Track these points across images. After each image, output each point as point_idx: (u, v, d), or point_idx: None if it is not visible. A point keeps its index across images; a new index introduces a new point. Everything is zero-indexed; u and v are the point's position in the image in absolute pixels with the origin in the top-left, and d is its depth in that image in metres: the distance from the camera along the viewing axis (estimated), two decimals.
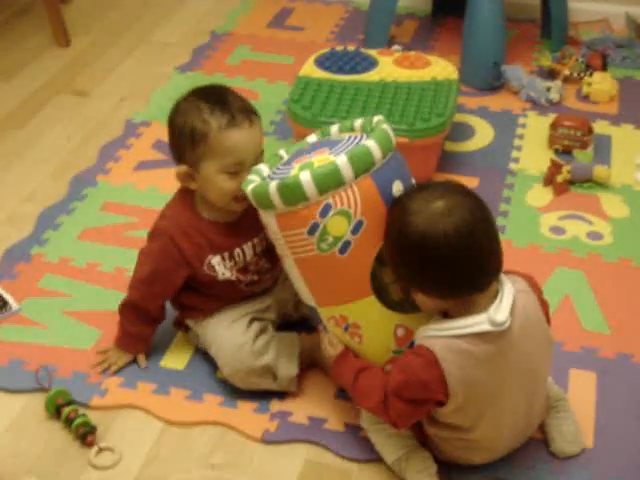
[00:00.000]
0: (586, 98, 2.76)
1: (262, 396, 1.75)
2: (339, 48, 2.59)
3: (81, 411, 1.70)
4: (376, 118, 1.58)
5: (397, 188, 1.50)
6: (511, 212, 2.27)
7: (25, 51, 3.08)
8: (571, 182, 2.36)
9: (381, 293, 1.54)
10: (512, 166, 2.46)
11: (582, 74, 2.82)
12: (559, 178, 2.35)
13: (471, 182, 2.34)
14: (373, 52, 2.57)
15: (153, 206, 2.28)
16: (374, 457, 1.63)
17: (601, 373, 1.81)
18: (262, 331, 1.75)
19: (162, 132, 2.57)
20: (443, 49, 3.02)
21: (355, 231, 1.47)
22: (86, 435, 1.66)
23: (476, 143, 2.55)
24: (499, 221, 2.22)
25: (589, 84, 2.76)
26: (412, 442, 1.60)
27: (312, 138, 1.65)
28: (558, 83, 2.76)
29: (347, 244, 1.48)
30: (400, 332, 1.56)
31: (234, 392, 1.75)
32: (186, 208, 1.72)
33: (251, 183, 1.55)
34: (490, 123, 2.65)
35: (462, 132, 2.58)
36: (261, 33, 3.21)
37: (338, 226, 1.47)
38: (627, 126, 2.64)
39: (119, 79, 2.93)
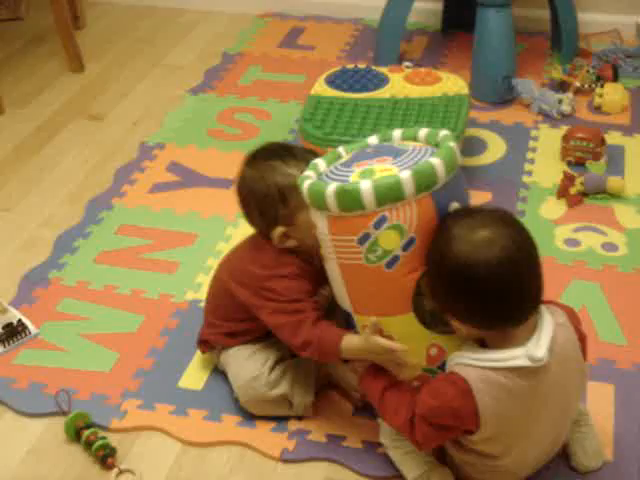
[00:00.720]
0: (598, 109, 2.76)
1: (280, 415, 1.75)
2: (350, 66, 2.61)
3: (101, 434, 1.71)
4: (442, 132, 1.55)
5: (454, 208, 1.48)
6: (525, 225, 2.26)
7: (40, 77, 3.12)
8: (585, 194, 2.36)
9: (419, 310, 1.51)
10: (525, 179, 2.46)
11: (593, 85, 2.82)
12: (572, 190, 2.35)
13: (484, 196, 2.34)
14: (384, 69, 2.58)
15: (168, 228, 2.32)
16: (393, 474, 1.63)
17: (619, 385, 1.80)
18: (278, 361, 1.75)
19: (176, 154, 2.63)
20: (454, 64, 3.03)
21: (406, 247, 1.45)
22: (106, 458, 1.67)
23: (488, 157, 2.56)
24: None
25: (600, 95, 2.76)
26: (432, 459, 1.59)
27: (373, 140, 1.63)
28: (569, 95, 2.77)
29: (395, 259, 1.46)
30: (433, 351, 1.53)
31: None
32: (286, 258, 1.67)
33: (307, 179, 1.52)
34: (502, 137, 2.66)
35: (474, 146, 2.59)
36: (272, 53, 3.23)
37: (390, 240, 1.45)
38: None
39: (133, 103, 2.96)
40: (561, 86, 2.86)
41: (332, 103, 2.42)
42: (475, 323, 1.43)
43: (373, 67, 2.60)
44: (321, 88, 2.50)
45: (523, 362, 1.40)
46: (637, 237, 2.22)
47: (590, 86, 2.82)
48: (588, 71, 2.85)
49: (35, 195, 2.50)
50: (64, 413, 1.75)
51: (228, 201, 2.39)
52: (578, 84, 2.82)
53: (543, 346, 1.41)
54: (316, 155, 1.65)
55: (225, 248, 2.22)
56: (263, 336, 1.77)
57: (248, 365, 1.74)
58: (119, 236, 2.30)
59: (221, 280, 1.79)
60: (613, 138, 2.60)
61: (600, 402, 1.76)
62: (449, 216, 1.45)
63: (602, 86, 2.79)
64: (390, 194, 1.42)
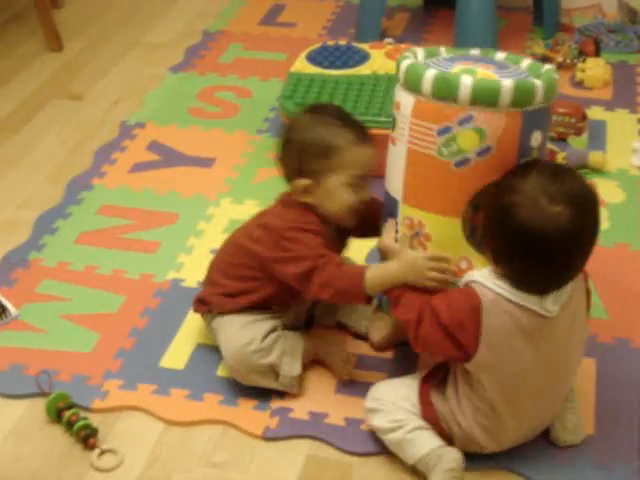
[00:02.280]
0: (580, 84, 2.76)
1: (262, 393, 1.75)
2: (330, 43, 2.59)
3: (82, 414, 1.70)
4: (547, 66, 1.57)
5: (535, 138, 1.50)
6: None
7: (18, 57, 3.09)
8: None
9: (464, 219, 1.53)
10: None
11: (575, 60, 2.82)
12: None
13: None
14: (365, 46, 2.57)
15: (149, 207, 2.30)
16: (375, 450, 1.64)
17: (600, 358, 1.81)
18: (271, 330, 1.75)
19: (157, 133, 2.61)
20: (436, 40, 3.01)
21: (481, 153, 1.47)
22: (88, 438, 1.66)
23: None
24: None
25: (583, 70, 2.76)
26: (437, 439, 1.57)
27: (476, 51, 1.64)
28: None
29: (467, 160, 1.48)
30: (463, 264, 1.55)
31: (234, 390, 1.76)
32: (308, 215, 1.69)
33: (407, 59, 1.55)
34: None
35: None
36: (253, 31, 3.21)
37: (468, 140, 1.47)
38: (622, 111, 2.64)
39: (113, 82, 2.93)
40: (543, 61, 2.83)
41: (313, 80, 2.40)
42: (510, 273, 1.44)
43: (354, 44, 2.59)
44: (302, 65, 2.48)
45: (535, 307, 1.43)
46: (619, 212, 2.23)
47: (572, 61, 2.82)
48: (570, 46, 2.85)
49: (14, 176, 2.48)
50: (45, 394, 1.74)
51: (209, 180, 2.41)
52: (560, 59, 2.81)
53: (558, 302, 1.44)
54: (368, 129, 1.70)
55: (206, 228, 2.22)
56: (258, 307, 1.76)
57: (241, 331, 1.73)
58: (100, 216, 2.28)
59: (238, 241, 1.79)
60: (595, 113, 2.60)
61: (582, 376, 1.75)
62: (534, 168, 1.43)
63: (584, 61, 2.79)
64: (486, 96, 1.44)
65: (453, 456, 1.54)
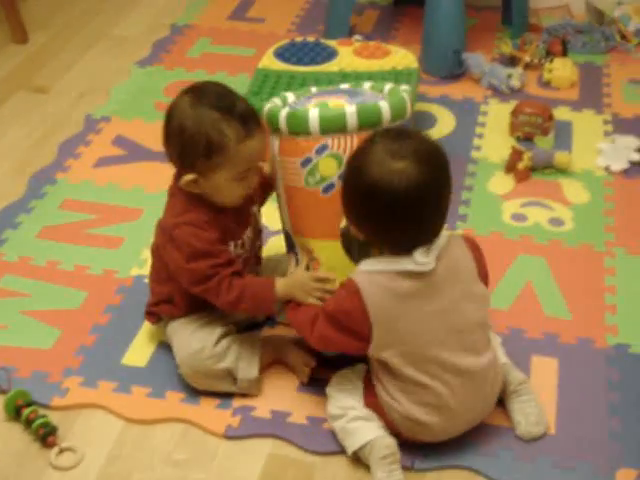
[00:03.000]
0: (547, 84, 2.77)
1: (225, 392, 1.74)
2: (298, 39, 2.58)
3: (41, 412, 1.68)
4: (403, 87, 1.68)
5: None
6: (473, 200, 2.27)
7: None
8: (532, 169, 2.36)
9: (347, 241, 1.62)
10: (474, 154, 2.46)
11: (543, 60, 2.82)
12: (520, 165, 2.35)
13: None
14: (333, 43, 2.56)
15: (113, 202, 2.28)
16: (337, 449, 1.63)
17: (562, 359, 1.81)
18: (224, 335, 1.73)
19: (122, 127, 2.59)
20: (405, 38, 3.02)
21: (342, 176, 1.55)
22: (47, 436, 1.65)
23: (438, 131, 2.55)
24: (461, 210, 2.22)
25: (550, 70, 2.76)
26: (378, 428, 1.59)
27: (344, 86, 1.76)
28: (519, 70, 2.77)
29: (331, 186, 1.59)
30: None
31: (196, 389, 1.74)
32: (197, 201, 1.66)
33: (268, 103, 1.67)
34: (452, 111, 2.65)
35: (424, 121, 2.58)
36: (222, 25, 3.19)
37: (328, 167, 1.58)
38: (588, 111, 2.65)
39: (78, 75, 2.90)
40: (511, 61, 2.86)
41: (280, 76, 2.39)
42: (372, 237, 1.53)
43: (322, 40, 2.58)
44: (269, 61, 2.47)
45: (408, 266, 1.49)
46: (583, 212, 2.24)
47: (540, 61, 2.83)
48: (538, 46, 2.86)
49: None
50: (3, 391, 1.72)
51: None
52: (528, 59, 2.82)
53: (432, 254, 1.50)
54: (257, 118, 1.63)
55: None
56: (202, 307, 1.73)
57: (193, 337, 1.72)
58: (63, 211, 2.26)
59: (154, 244, 1.77)
60: (561, 113, 2.61)
61: (544, 376, 1.78)
62: (379, 133, 1.52)
63: (551, 61, 2.79)
64: (334, 124, 1.57)
65: (385, 443, 1.57)
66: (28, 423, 1.67)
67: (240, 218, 1.72)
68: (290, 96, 1.71)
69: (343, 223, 1.60)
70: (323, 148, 1.58)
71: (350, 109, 1.56)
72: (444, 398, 1.55)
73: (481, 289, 1.60)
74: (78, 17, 3.27)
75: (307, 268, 1.66)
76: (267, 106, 1.65)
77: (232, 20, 3.22)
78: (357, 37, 2.68)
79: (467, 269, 1.57)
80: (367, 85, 1.73)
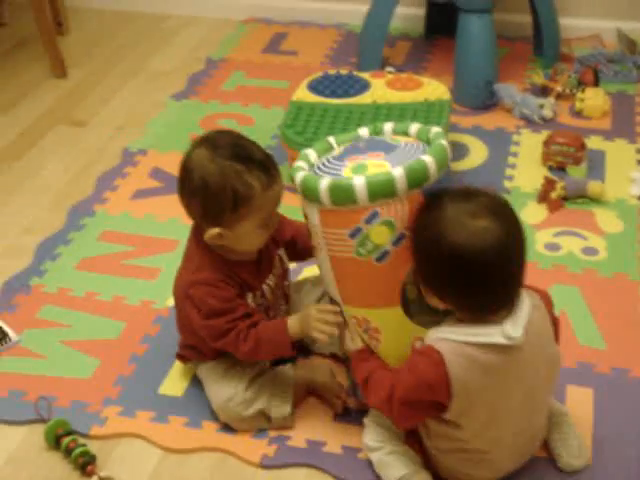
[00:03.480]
0: (579, 114, 2.78)
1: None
2: (331, 72, 2.62)
3: (81, 441, 1.71)
4: (434, 130, 1.57)
5: None
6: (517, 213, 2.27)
7: (23, 83, 3.12)
8: (565, 198, 2.37)
9: (406, 305, 1.54)
10: (507, 184, 2.47)
11: (574, 90, 2.83)
12: (553, 195, 2.36)
13: None
14: (366, 75, 2.59)
15: (150, 234, 2.32)
16: (372, 479, 1.64)
17: (597, 388, 1.81)
18: (255, 377, 1.74)
19: (158, 160, 2.63)
20: (436, 69, 3.05)
21: (396, 242, 1.48)
22: (86, 465, 1.67)
23: (470, 162, 2.57)
24: None
25: (582, 100, 2.77)
26: (414, 464, 1.59)
27: (364, 132, 1.64)
28: (551, 100, 2.78)
29: (385, 253, 1.48)
30: (418, 344, 1.55)
31: None
32: (212, 258, 1.67)
33: (300, 171, 1.53)
34: (484, 142, 2.67)
35: (456, 151, 2.59)
36: (256, 58, 3.24)
37: (381, 235, 1.47)
38: (620, 141, 2.66)
39: (116, 109, 2.96)
40: (543, 91, 2.88)
41: (314, 109, 2.42)
42: (457, 303, 1.45)
43: (355, 73, 2.61)
44: (303, 94, 2.51)
45: (497, 339, 1.43)
46: (617, 241, 2.24)
47: (571, 91, 2.84)
48: (569, 76, 2.87)
49: (18, 201, 2.50)
50: (44, 420, 1.75)
51: None
52: (559, 89, 2.84)
53: (520, 325, 1.44)
54: (273, 161, 1.64)
55: None
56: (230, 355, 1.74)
57: (222, 384, 1.73)
58: (101, 242, 2.30)
59: (174, 291, 1.78)
60: (594, 143, 2.62)
61: (580, 406, 1.77)
62: (446, 196, 1.44)
63: (583, 91, 2.80)
64: (383, 190, 1.44)
65: (422, 477, 1.56)
66: (68, 452, 1.69)
67: (259, 267, 1.71)
68: (311, 154, 1.60)
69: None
70: (373, 216, 1.46)
71: (398, 172, 1.44)
72: (497, 461, 1.55)
73: (556, 350, 1.56)
74: (115, 52, 3.34)
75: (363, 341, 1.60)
76: (299, 175, 1.51)
77: (266, 53, 3.27)
78: (389, 69, 2.71)
79: (547, 333, 1.54)
80: (388, 127, 1.63)
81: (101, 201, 2.46)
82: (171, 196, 2.44)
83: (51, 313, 2.06)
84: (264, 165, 1.60)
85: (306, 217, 1.56)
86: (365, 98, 2.46)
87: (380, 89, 2.50)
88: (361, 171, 1.48)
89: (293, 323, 1.64)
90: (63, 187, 2.55)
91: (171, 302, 2.05)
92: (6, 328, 2.00)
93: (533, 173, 2.50)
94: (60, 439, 1.71)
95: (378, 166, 1.49)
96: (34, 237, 2.32)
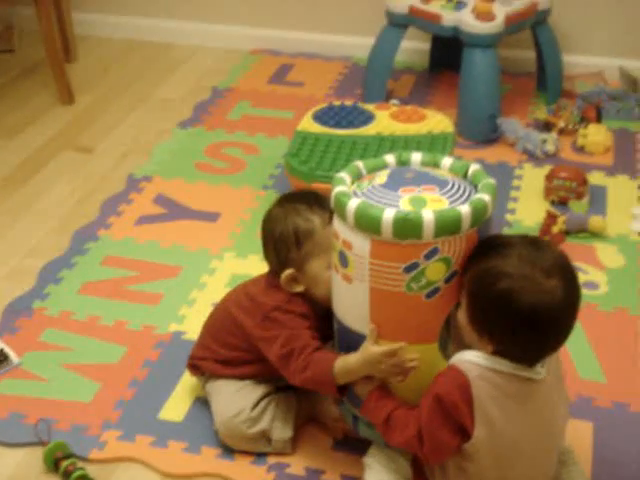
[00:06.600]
0: (581, 150, 2.80)
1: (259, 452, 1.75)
2: (336, 103, 2.64)
3: (79, 464, 1.71)
4: (473, 167, 1.56)
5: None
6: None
7: (30, 109, 3.14)
8: (567, 232, 2.38)
9: (441, 341, 1.53)
10: (508, 217, 2.49)
11: (577, 126, 2.86)
12: (555, 229, 2.37)
13: None
14: (370, 106, 2.61)
15: (153, 260, 2.33)
16: None
17: (597, 422, 1.81)
18: (262, 397, 1.75)
19: (163, 187, 2.65)
20: (440, 102, 3.07)
21: (448, 280, 1.46)
22: None
23: None
24: None
25: (584, 136, 2.80)
26: None
27: (391, 159, 1.61)
28: (553, 135, 2.80)
29: (436, 290, 1.46)
30: None
31: None
32: (290, 295, 1.69)
33: (351, 197, 1.48)
34: (487, 174, 2.67)
35: None
36: (262, 88, 3.27)
37: (436, 272, 1.45)
38: (622, 177, 2.68)
39: (121, 135, 2.98)
40: (545, 126, 2.90)
41: (318, 139, 2.44)
42: (505, 347, 1.43)
43: (360, 104, 2.63)
44: (308, 124, 2.53)
45: (525, 373, 1.43)
46: (618, 276, 2.25)
47: (574, 127, 2.86)
48: (572, 112, 2.90)
49: (22, 225, 2.51)
50: (43, 443, 1.75)
51: (213, 234, 2.43)
52: (562, 124, 2.86)
53: (545, 364, 1.45)
54: None
55: (209, 281, 2.24)
56: (251, 376, 1.77)
57: (232, 400, 1.74)
58: (104, 267, 2.31)
59: (227, 308, 1.79)
60: (596, 178, 2.64)
61: (579, 440, 1.77)
62: (515, 245, 1.43)
63: (586, 127, 2.83)
64: (449, 227, 1.42)
65: None
66: (66, 475, 1.69)
67: (329, 322, 1.68)
68: (346, 178, 1.54)
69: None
70: (433, 252, 1.43)
71: (465, 210, 1.42)
72: None
73: (564, 387, 1.56)
74: (122, 80, 3.37)
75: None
76: (352, 202, 1.45)
77: (272, 84, 3.30)
78: (394, 101, 2.73)
79: (561, 372, 1.55)
80: (417, 158, 1.60)
81: (105, 226, 2.47)
82: (174, 222, 2.49)
83: (53, 336, 2.07)
84: (324, 205, 1.64)
85: (348, 245, 1.49)
86: (369, 129, 2.48)
87: (384, 121, 2.52)
88: (420, 205, 1.45)
89: (344, 365, 1.55)
90: (68, 212, 2.56)
91: (173, 328, 2.08)
92: (7, 350, 2.00)
93: (535, 207, 2.52)
94: (59, 462, 1.71)
95: (436, 201, 1.46)
96: (38, 260, 2.34)
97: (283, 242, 1.67)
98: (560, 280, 1.40)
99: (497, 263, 1.42)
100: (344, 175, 1.56)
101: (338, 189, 1.51)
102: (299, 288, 1.68)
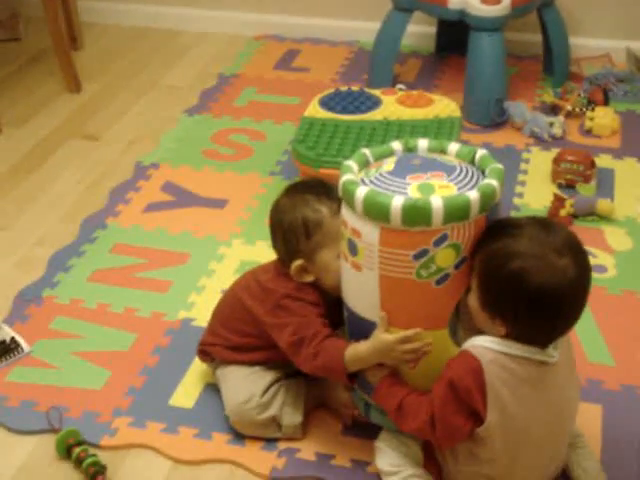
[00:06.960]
0: (589, 132, 2.79)
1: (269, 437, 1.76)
2: (343, 88, 2.63)
3: (91, 451, 1.72)
4: (480, 152, 1.56)
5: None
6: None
7: (37, 97, 3.15)
8: (575, 216, 2.38)
9: (450, 324, 1.53)
10: (516, 201, 2.48)
11: (584, 109, 2.85)
12: (563, 212, 2.37)
13: None
14: (376, 92, 2.61)
15: (162, 247, 2.34)
16: None
17: (606, 405, 1.82)
18: (272, 383, 1.76)
19: (171, 174, 2.66)
20: (447, 87, 3.07)
21: (458, 266, 1.46)
22: (96, 475, 1.68)
23: None
24: None
25: (591, 119, 2.79)
26: None
27: (397, 146, 1.61)
28: (561, 118, 2.80)
29: (446, 277, 1.46)
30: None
31: None
32: (300, 284, 1.69)
33: (359, 185, 1.48)
34: (494, 159, 2.67)
35: None
36: (268, 75, 3.26)
37: (446, 258, 1.45)
38: (630, 159, 2.67)
39: (129, 123, 2.98)
40: (552, 109, 2.89)
41: (325, 125, 2.44)
42: (518, 329, 1.44)
43: (366, 89, 2.63)
44: (314, 110, 2.53)
45: (539, 356, 1.44)
46: (626, 259, 2.25)
47: (581, 109, 2.85)
48: (579, 95, 2.89)
49: (30, 214, 2.52)
50: (55, 430, 1.76)
51: (221, 221, 2.44)
52: (569, 107, 2.85)
53: (558, 347, 1.47)
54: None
55: (218, 268, 2.25)
56: (261, 362, 1.78)
57: (242, 386, 1.75)
58: (113, 255, 2.32)
59: (237, 294, 1.80)
60: (603, 161, 2.63)
61: (588, 423, 1.77)
62: (525, 227, 1.44)
63: (593, 110, 2.82)
64: (458, 213, 1.42)
65: None
66: (78, 462, 1.70)
67: (339, 310, 1.68)
68: (353, 166, 1.55)
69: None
70: (442, 239, 1.43)
71: (474, 196, 1.42)
72: None
73: (577, 376, 1.57)
74: (129, 68, 3.37)
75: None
76: (360, 190, 1.45)
77: (278, 70, 3.30)
78: (400, 86, 2.73)
79: (573, 356, 1.55)
80: (423, 144, 1.60)
81: (114, 214, 2.48)
82: (182, 210, 2.50)
83: (63, 324, 2.08)
84: (332, 195, 1.63)
85: (355, 233, 1.49)
86: (376, 115, 2.48)
87: (391, 106, 2.52)
88: (429, 191, 1.45)
89: (355, 353, 1.55)
90: (76, 200, 2.57)
91: (182, 315, 2.09)
92: (18, 338, 2.01)
93: (542, 191, 2.51)
94: (71, 449, 1.72)
95: (445, 187, 1.46)
96: (47, 249, 2.35)
97: (292, 233, 1.67)
98: (571, 259, 1.40)
99: (507, 243, 1.42)
100: (351, 163, 1.56)
101: (346, 177, 1.51)
102: (309, 278, 1.69)
